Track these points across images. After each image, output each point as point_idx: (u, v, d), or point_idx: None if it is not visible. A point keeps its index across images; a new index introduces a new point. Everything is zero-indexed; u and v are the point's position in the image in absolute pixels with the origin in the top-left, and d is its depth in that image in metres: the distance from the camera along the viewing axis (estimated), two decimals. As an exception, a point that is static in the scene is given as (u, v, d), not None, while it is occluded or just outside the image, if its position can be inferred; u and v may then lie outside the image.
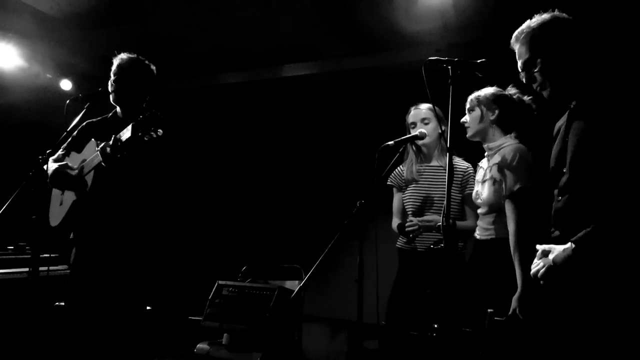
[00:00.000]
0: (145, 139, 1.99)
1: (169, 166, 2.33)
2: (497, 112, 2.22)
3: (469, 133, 2.29)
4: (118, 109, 2.43)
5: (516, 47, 1.65)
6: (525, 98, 2.22)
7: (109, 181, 2.22)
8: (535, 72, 1.61)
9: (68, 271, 3.55)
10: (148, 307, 2.48)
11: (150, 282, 2.36)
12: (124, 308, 2.28)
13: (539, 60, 1.60)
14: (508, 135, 2.22)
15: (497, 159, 2.17)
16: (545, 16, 1.62)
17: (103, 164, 2.14)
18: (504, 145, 2.19)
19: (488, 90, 2.27)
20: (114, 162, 2.11)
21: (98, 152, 2.15)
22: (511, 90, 2.25)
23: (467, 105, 2.30)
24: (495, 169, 2.16)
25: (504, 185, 2.11)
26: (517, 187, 2.05)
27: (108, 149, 2.10)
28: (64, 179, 2.30)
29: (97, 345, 2.24)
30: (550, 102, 1.66)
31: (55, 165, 2.34)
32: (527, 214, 2.03)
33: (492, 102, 2.23)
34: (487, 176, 2.21)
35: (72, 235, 2.41)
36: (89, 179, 2.25)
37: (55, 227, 2.40)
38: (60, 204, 2.41)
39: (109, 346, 2.25)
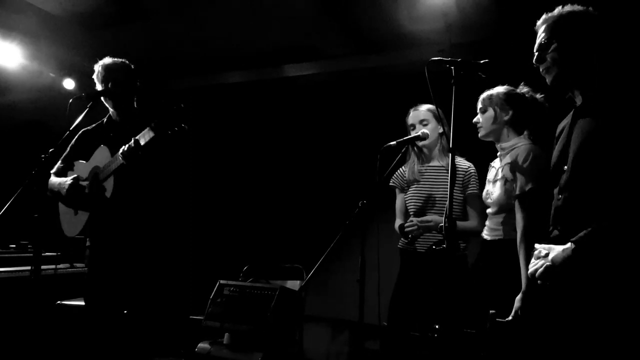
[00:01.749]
0: (169, 132, 2.02)
1: (183, 162, 2.37)
2: (511, 112, 2.20)
3: (482, 133, 2.27)
4: (112, 113, 2.45)
5: (540, 29, 1.67)
6: (538, 96, 2.21)
7: (132, 181, 2.23)
8: (547, 54, 1.62)
9: (70, 270, 3.58)
10: (151, 307, 2.49)
11: (156, 281, 2.37)
12: (129, 307, 2.30)
13: (554, 43, 1.61)
14: (521, 136, 2.21)
15: (509, 158, 2.15)
16: (577, 7, 1.64)
17: (124, 162, 2.15)
18: (517, 145, 2.17)
19: (500, 90, 2.25)
20: (135, 161, 2.14)
21: (119, 155, 2.17)
22: (523, 89, 2.24)
23: (479, 105, 2.28)
24: (507, 168, 2.15)
25: (515, 185, 2.10)
26: (528, 187, 2.04)
27: (131, 151, 2.13)
28: (79, 192, 2.31)
29: (101, 344, 2.25)
30: (550, 88, 1.67)
31: (66, 181, 2.33)
32: (536, 214, 2.02)
33: (505, 102, 2.22)
34: (499, 176, 2.20)
35: (87, 242, 2.41)
36: (109, 184, 2.26)
37: (73, 236, 2.41)
38: (76, 213, 2.41)
39: (112, 345, 2.25)
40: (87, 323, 2.30)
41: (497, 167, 2.26)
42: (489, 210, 2.27)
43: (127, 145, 2.15)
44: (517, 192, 2.08)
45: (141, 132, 2.11)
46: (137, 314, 2.29)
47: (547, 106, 2.21)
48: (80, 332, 2.28)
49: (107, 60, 2.42)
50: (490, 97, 2.25)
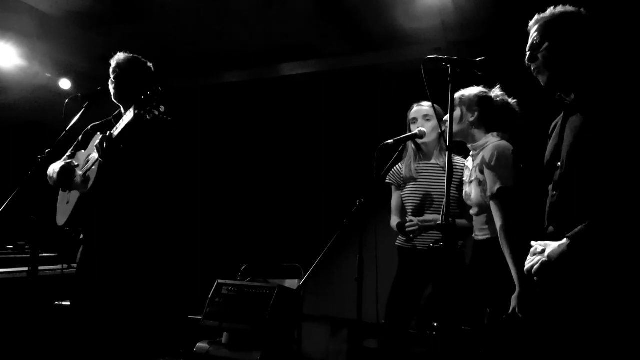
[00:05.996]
0: (148, 117, 1.98)
1: (174, 152, 2.32)
2: (476, 113, 2.18)
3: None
4: (122, 108, 2.43)
5: (533, 29, 1.67)
6: (510, 100, 2.20)
7: (113, 173, 2.22)
8: (539, 53, 1.63)
9: (68, 270, 3.58)
10: (149, 306, 2.48)
11: (153, 281, 2.36)
12: (127, 307, 2.28)
13: (546, 43, 1.62)
14: (490, 134, 2.18)
15: (479, 159, 2.14)
16: (569, 8, 1.65)
17: (100, 159, 2.14)
18: (486, 144, 2.15)
19: (472, 91, 2.23)
20: (110, 157, 2.12)
21: (95, 147, 2.16)
22: (497, 92, 2.22)
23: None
24: (477, 169, 2.14)
25: (487, 187, 2.09)
26: (496, 187, 2.02)
27: (104, 144, 2.12)
28: (69, 176, 2.29)
29: (99, 344, 2.24)
30: (545, 89, 1.67)
31: (61, 162, 2.33)
32: (512, 213, 2.00)
33: (474, 103, 2.19)
34: (473, 177, 2.19)
35: (82, 235, 2.40)
36: (93, 173, 2.25)
37: (62, 226, 2.39)
38: (67, 202, 2.41)
39: (110, 345, 2.25)
40: (73, 323, 2.28)
41: (470, 168, 2.24)
42: (471, 212, 2.26)
43: (102, 136, 2.12)
44: (488, 193, 2.06)
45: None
46: (127, 314, 2.27)
47: (519, 111, 2.19)
48: (77, 332, 2.27)
49: (120, 54, 2.40)
50: (461, 97, 2.22)
